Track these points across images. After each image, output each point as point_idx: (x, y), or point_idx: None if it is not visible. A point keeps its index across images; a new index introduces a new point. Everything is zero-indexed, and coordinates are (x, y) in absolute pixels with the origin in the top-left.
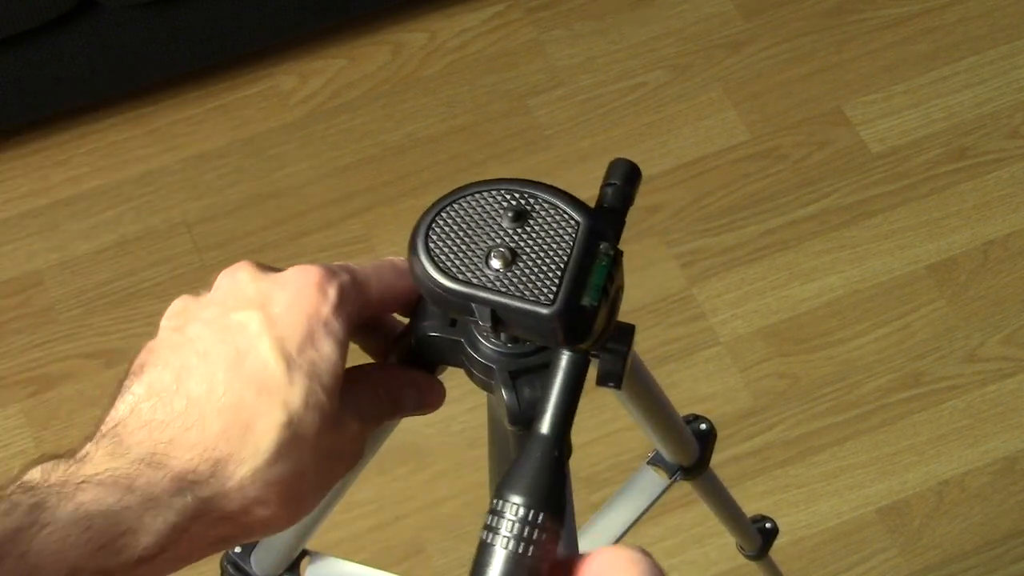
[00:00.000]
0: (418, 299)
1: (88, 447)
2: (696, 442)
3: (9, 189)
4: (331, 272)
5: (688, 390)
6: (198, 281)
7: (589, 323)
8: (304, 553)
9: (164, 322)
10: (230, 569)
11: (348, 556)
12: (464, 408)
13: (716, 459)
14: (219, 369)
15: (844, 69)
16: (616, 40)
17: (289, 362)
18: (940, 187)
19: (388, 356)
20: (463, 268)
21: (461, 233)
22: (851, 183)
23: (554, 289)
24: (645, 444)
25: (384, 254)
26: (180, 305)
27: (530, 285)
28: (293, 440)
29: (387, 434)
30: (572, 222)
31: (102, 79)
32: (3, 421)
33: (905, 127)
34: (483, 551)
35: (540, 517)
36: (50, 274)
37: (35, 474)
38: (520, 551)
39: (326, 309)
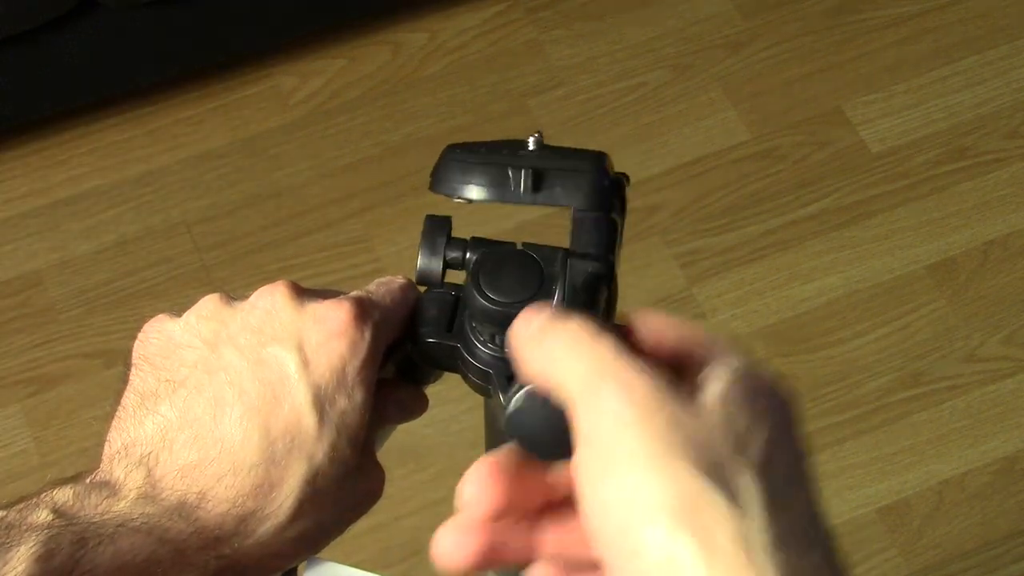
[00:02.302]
0: (414, 307)
1: (117, 471)
2: None
3: (9, 189)
4: (365, 311)
5: None
6: (198, 281)
7: (620, 204)
8: None
9: (194, 321)
10: None
11: (347, 556)
12: (464, 408)
13: None
14: (255, 414)
15: (844, 69)
16: (616, 40)
17: (322, 414)
18: (940, 187)
19: (385, 364)
20: (496, 151)
21: (486, 147)
22: (851, 183)
23: (592, 155)
24: None
25: (384, 254)
26: (211, 308)
27: (565, 159)
28: (314, 496)
29: (387, 435)
30: (591, 153)
31: (102, 79)
32: (3, 421)
33: (905, 127)
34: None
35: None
36: (50, 274)
37: (67, 495)
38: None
39: (360, 354)
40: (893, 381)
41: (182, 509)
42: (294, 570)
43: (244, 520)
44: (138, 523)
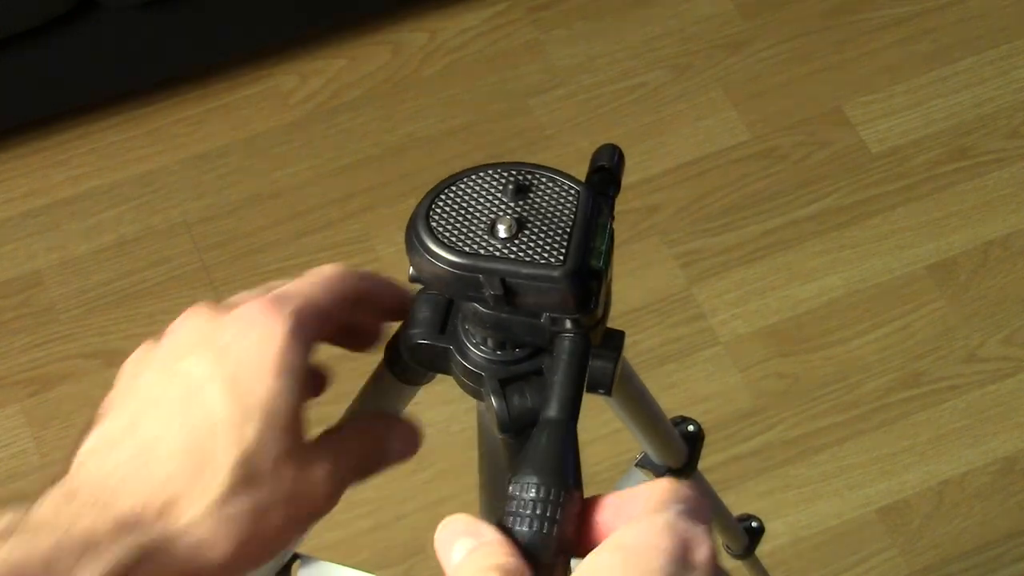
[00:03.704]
0: (407, 308)
1: (42, 499)
2: (684, 444)
3: (9, 189)
4: (277, 301)
5: (688, 390)
6: (198, 281)
7: (598, 286)
8: (295, 557)
9: (126, 368)
10: None
11: (348, 556)
12: (464, 408)
13: (716, 459)
14: (171, 412)
15: (844, 69)
16: (616, 40)
17: (240, 401)
18: (940, 187)
19: (372, 344)
20: (468, 241)
21: (462, 210)
22: (851, 183)
23: (563, 251)
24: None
25: (384, 254)
26: (140, 353)
27: (538, 250)
28: (248, 478)
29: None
30: (572, 191)
31: (102, 79)
32: (3, 421)
33: (905, 127)
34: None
35: (555, 494)
36: (50, 274)
37: None
38: (543, 530)
39: (276, 341)
40: (893, 381)
41: (96, 501)
42: (288, 568)
43: (168, 504)
44: (40, 521)
